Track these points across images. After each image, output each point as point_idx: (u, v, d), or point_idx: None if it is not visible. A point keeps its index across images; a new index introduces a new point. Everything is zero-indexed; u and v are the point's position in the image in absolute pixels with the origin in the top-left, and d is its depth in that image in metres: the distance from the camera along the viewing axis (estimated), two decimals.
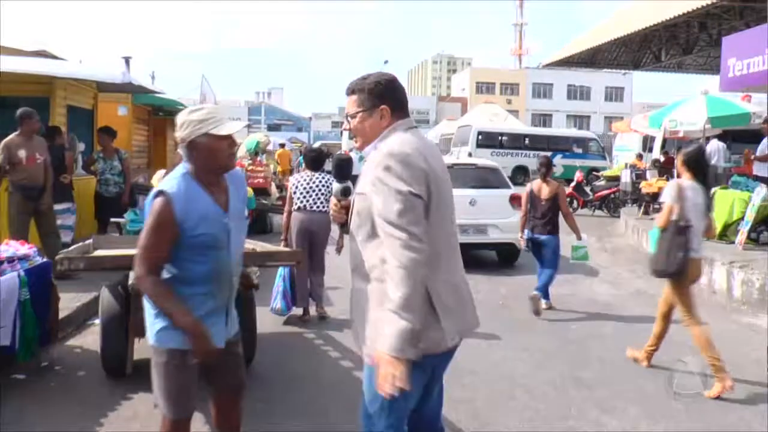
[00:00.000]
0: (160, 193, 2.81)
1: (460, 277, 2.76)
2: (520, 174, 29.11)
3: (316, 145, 22.58)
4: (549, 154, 15.20)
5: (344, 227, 2.90)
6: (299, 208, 6.99)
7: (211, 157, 2.88)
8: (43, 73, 9.07)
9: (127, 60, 11.05)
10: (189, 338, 2.80)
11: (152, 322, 2.93)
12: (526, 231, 7.90)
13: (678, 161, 5.80)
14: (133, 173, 11.48)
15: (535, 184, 8.01)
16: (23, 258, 5.08)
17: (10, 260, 4.91)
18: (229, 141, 2.90)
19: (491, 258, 11.01)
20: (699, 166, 5.65)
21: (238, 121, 2.99)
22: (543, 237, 7.76)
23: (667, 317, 5.74)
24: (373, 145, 2.72)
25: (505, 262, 10.75)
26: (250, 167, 14.53)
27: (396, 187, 2.47)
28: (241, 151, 20.31)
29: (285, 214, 7.15)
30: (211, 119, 2.87)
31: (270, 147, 24.56)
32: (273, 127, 58.81)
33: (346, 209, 2.86)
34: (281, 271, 6.83)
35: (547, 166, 7.98)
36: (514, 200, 10.02)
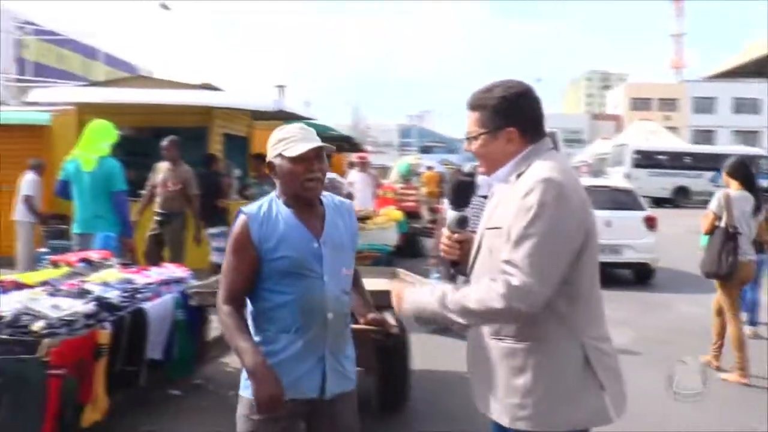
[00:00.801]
0: (240, 213, 2.63)
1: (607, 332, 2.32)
2: (681, 196, 27.39)
3: (468, 166, 22.24)
4: (713, 174, 14.23)
5: (457, 266, 2.51)
6: None
7: (286, 180, 2.61)
8: (199, 104, 9.60)
9: (281, 88, 11.42)
10: (251, 383, 2.45)
11: None
12: None
13: (723, 173, 6.35)
14: None
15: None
16: (179, 281, 5.30)
17: (167, 282, 5.14)
18: (306, 164, 2.57)
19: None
20: (743, 176, 6.25)
21: (312, 142, 2.59)
22: None
23: (721, 313, 6.29)
24: (505, 172, 2.32)
25: (640, 280, 11.16)
26: (401, 190, 14.60)
27: (548, 223, 2.08)
28: (393, 175, 20.60)
29: (437, 237, 6.98)
30: (287, 139, 2.60)
31: (421, 169, 24.75)
32: (425, 150, 59.21)
33: (462, 244, 2.47)
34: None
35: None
36: (650, 221, 10.65)
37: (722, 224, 6.05)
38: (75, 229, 6.72)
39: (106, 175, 6.62)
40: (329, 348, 2.59)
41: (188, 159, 10.34)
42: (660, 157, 29.78)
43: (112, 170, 6.66)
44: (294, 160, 2.56)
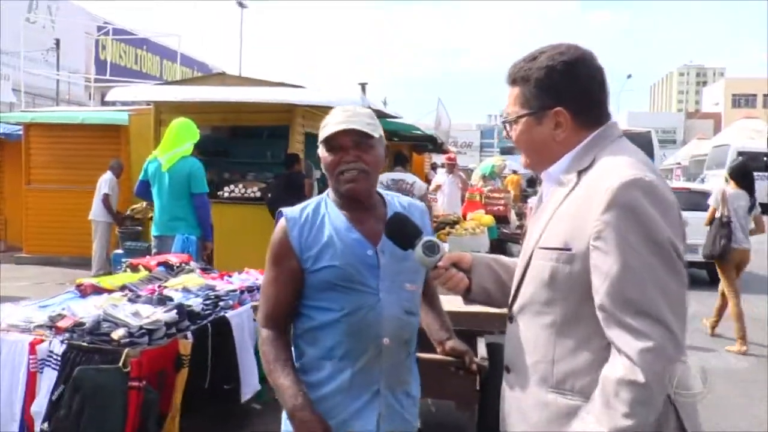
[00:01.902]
0: (279, 215, 2.30)
1: None
2: None
3: None
4: None
5: (468, 293, 2.11)
6: None
7: (327, 174, 2.29)
8: (283, 102, 9.49)
9: (363, 86, 11.30)
10: (292, 427, 2.11)
11: None
12: None
13: (726, 173, 8.02)
14: None
15: None
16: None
17: (250, 290, 4.97)
18: (341, 152, 2.22)
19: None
20: (741, 177, 7.90)
21: (345, 124, 2.22)
22: None
23: (724, 295, 7.93)
24: (559, 169, 1.86)
25: (714, 281, 11.26)
26: (489, 193, 14.23)
27: (653, 245, 1.60)
28: (475, 177, 20.26)
29: (524, 229, 6.84)
30: (327, 125, 2.25)
31: (506, 171, 24.29)
32: (506, 151, 58.23)
33: (455, 270, 2.06)
34: None
35: None
36: None
37: (718, 215, 7.74)
38: (153, 230, 6.69)
39: (187, 175, 6.56)
40: (386, 381, 2.21)
41: (269, 159, 10.40)
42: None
43: (192, 171, 6.60)
44: (328, 146, 2.24)
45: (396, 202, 2.40)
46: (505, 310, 2.01)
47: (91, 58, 27.86)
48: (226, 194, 10.01)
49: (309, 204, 2.32)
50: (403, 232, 2.13)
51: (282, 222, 2.26)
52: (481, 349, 3.73)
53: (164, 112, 10.03)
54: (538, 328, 1.81)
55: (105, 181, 10.88)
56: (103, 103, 19.46)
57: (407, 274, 2.26)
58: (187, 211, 6.55)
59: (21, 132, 13.12)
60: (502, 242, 12.67)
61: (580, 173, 1.79)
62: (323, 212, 2.28)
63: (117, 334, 3.71)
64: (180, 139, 6.63)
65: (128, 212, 10.80)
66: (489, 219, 10.57)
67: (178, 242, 6.34)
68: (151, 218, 6.97)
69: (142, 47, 32.77)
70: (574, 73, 1.82)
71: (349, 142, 2.20)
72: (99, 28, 28.00)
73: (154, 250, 6.59)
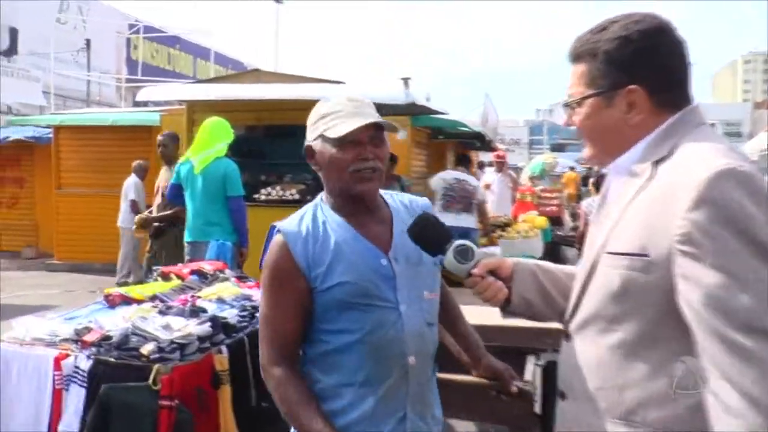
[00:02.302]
0: (272, 231, 2.15)
1: None
2: None
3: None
4: None
5: (507, 305, 1.96)
6: None
7: (331, 173, 2.11)
8: (321, 98, 9.39)
9: (405, 81, 11.11)
10: None
11: None
12: None
13: None
14: None
15: None
16: None
17: None
18: (358, 148, 2.06)
19: None
20: None
21: (365, 117, 2.06)
22: None
23: None
24: (630, 159, 1.67)
25: None
26: (542, 193, 13.98)
27: (747, 248, 1.39)
28: (524, 176, 19.96)
29: (578, 232, 7.58)
30: (332, 115, 2.09)
31: (558, 169, 23.91)
32: (556, 148, 57.65)
33: (493, 278, 1.91)
34: None
35: None
36: None
37: None
38: (186, 236, 6.62)
39: (222, 177, 6.47)
40: (412, 405, 2.07)
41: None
42: None
43: (227, 173, 6.50)
44: (340, 143, 2.05)
45: (397, 201, 2.27)
46: (555, 324, 1.88)
47: (122, 59, 28.23)
48: (262, 197, 9.96)
49: (304, 213, 2.16)
50: (432, 235, 1.99)
51: (279, 238, 2.09)
52: (530, 370, 3.47)
53: (197, 111, 10.03)
54: (603, 348, 1.63)
55: (130, 186, 10.91)
56: (135, 104, 19.67)
57: (424, 281, 2.14)
58: (222, 216, 6.47)
59: (51, 135, 13.30)
60: (557, 245, 12.41)
61: (656, 163, 1.60)
62: (322, 220, 2.13)
63: (146, 349, 3.61)
64: (213, 140, 6.55)
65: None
66: (542, 221, 10.36)
67: (213, 248, 6.25)
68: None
69: (175, 46, 33.12)
70: (652, 45, 1.63)
71: (365, 137, 2.06)
72: (130, 27, 28.37)
73: (187, 257, 6.52)
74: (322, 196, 2.21)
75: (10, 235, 15.19)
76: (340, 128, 2.04)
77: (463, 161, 9.62)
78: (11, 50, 23.37)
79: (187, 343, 3.72)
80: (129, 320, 3.90)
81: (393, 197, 2.27)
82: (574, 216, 15.06)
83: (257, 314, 4.38)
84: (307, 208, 2.18)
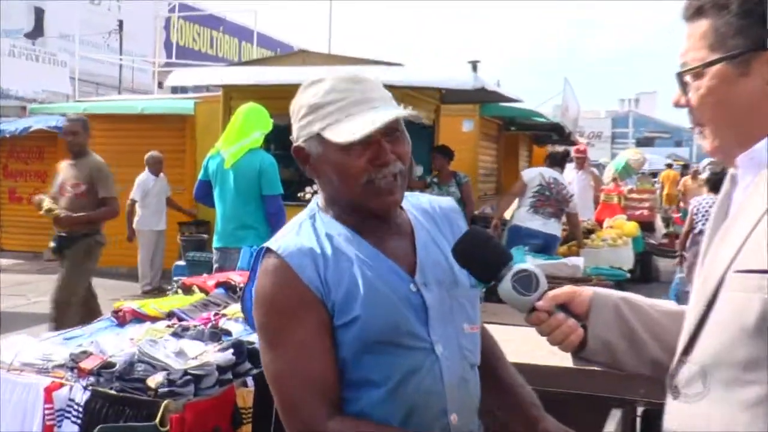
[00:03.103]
0: (263, 255, 1.81)
1: None
2: None
3: (704, 163, 20.85)
4: None
5: (582, 349, 1.70)
6: (702, 230, 7.54)
7: (336, 185, 1.82)
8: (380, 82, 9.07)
9: (474, 65, 10.72)
10: None
11: None
12: None
13: None
14: (478, 202, 11.13)
15: None
16: None
17: None
18: (372, 152, 1.76)
19: None
20: None
21: (382, 110, 1.77)
22: None
23: None
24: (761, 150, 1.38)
25: None
26: (630, 194, 13.41)
27: None
28: (607, 174, 19.32)
29: (682, 235, 8.42)
30: (328, 106, 1.78)
31: (646, 167, 23.18)
32: (643, 142, 56.72)
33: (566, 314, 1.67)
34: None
35: None
36: None
37: None
38: (215, 242, 6.31)
39: (257, 173, 6.13)
40: None
41: None
42: None
43: (264, 167, 6.16)
44: (347, 148, 1.74)
45: (415, 203, 1.98)
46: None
47: (160, 42, 28.42)
48: (308, 195, 9.74)
49: (298, 227, 1.85)
50: (485, 257, 1.71)
51: (277, 263, 1.76)
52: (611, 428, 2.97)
53: (235, 98, 9.84)
54: (733, 406, 1.32)
55: (137, 184, 10.94)
56: (173, 91, 19.72)
57: (463, 311, 1.86)
58: (258, 218, 6.16)
59: None
60: (648, 255, 11.87)
61: None
62: (325, 234, 1.82)
63: (154, 380, 3.32)
64: (248, 129, 6.22)
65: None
66: (633, 226, 9.84)
67: (245, 256, 5.91)
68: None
69: (218, 28, 33.31)
70: None
71: (378, 133, 1.75)
72: (170, 9, 28.54)
73: (215, 266, 6.22)
74: (318, 202, 1.91)
75: (30, 233, 15.23)
76: (346, 129, 1.73)
77: (557, 160, 9.14)
78: (36, 32, 23.65)
79: (204, 374, 3.45)
80: (137, 344, 3.63)
81: (408, 199, 1.96)
82: (667, 221, 14.48)
83: None
84: (299, 220, 1.88)
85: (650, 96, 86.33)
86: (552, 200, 8.54)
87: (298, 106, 1.85)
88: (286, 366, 1.73)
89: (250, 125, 6.23)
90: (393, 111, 1.78)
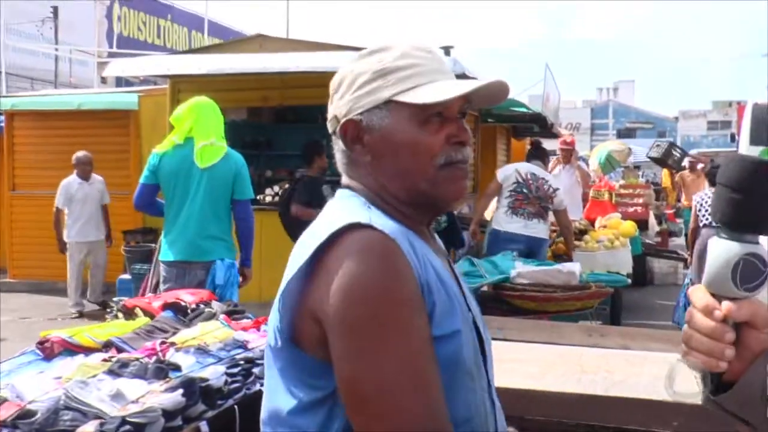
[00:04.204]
0: (352, 229, 1.50)
1: None
2: None
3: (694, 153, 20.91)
4: None
5: (718, 392, 1.36)
6: (707, 224, 8.06)
7: (403, 165, 1.64)
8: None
9: (447, 50, 10.46)
10: None
11: None
12: None
13: None
14: None
15: None
16: None
17: None
18: (450, 129, 1.63)
19: None
20: None
21: (456, 80, 1.66)
22: None
23: None
24: None
25: None
26: (622, 190, 13.17)
27: None
28: (593, 166, 19.12)
29: (690, 233, 8.67)
30: (405, 70, 1.63)
31: (631, 159, 23.05)
32: (624, 133, 57.17)
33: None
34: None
35: None
36: None
37: None
38: (167, 254, 5.82)
39: (233, 177, 5.75)
40: None
41: (326, 150, 9.74)
42: None
43: (238, 170, 5.80)
44: (424, 116, 1.61)
45: None
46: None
47: (102, 32, 27.89)
48: (268, 198, 9.63)
49: (364, 209, 1.61)
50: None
51: (381, 240, 1.50)
52: None
53: (184, 90, 9.57)
54: None
55: (59, 189, 10.58)
56: (118, 85, 19.26)
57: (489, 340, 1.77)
58: (227, 228, 5.81)
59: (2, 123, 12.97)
60: (642, 256, 11.64)
61: None
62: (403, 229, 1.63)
63: (84, 431, 2.96)
64: (219, 126, 5.82)
65: None
66: (630, 226, 9.56)
67: (219, 271, 5.54)
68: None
69: (166, 16, 32.90)
70: None
71: (457, 111, 1.66)
72: None
73: (163, 284, 5.75)
74: (358, 195, 1.67)
75: None
76: (432, 90, 1.59)
77: (538, 154, 8.80)
78: None
79: (147, 421, 3.08)
80: (63, 385, 3.25)
81: None
82: (660, 219, 14.30)
83: (255, 370, 3.78)
84: (356, 205, 1.63)
85: (629, 84, 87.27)
86: (532, 198, 8.17)
87: (353, 74, 1.68)
88: (409, 377, 1.44)
89: (219, 122, 5.85)
90: (464, 82, 1.66)
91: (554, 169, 12.26)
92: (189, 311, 4.47)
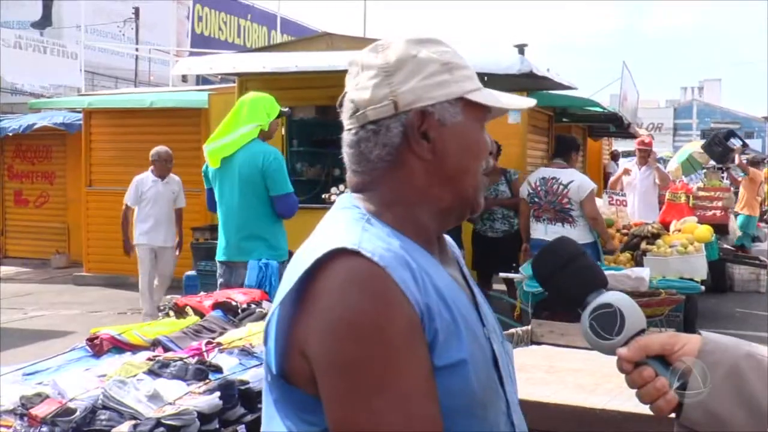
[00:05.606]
0: (338, 257, 1.38)
1: None
2: None
3: None
4: None
5: (679, 414, 1.40)
6: None
7: (457, 171, 1.54)
8: None
9: (521, 48, 10.24)
10: None
11: None
12: None
13: None
14: None
15: None
16: None
17: None
18: (487, 137, 1.61)
19: None
20: None
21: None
22: None
23: None
24: None
25: None
26: (700, 192, 12.70)
27: None
28: (671, 170, 18.62)
29: None
30: (467, 69, 1.57)
31: (711, 162, 22.40)
32: (708, 134, 55.56)
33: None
34: None
35: None
36: None
37: None
38: (218, 255, 5.81)
39: (260, 171, 5.54)
40: None
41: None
42: None
43: (267, 163, 5.54)
44: (474, 114, 1.55)
45: None
46: None
47: (182, 32, 28.26)
48: (334, 197, 9.32)
49: (359, 227, 1.47)
50: (576, 275, 1.48)
51: (369, 271, 1.38)
52: None
53: (251, 88, 9.38)
54: None
55: (131, 185, 9.44)
56: (197, 83, 19.47)
57: (512, 367, 1.65)
58: (266, 226, 5.65)
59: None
60: (721, 262, 11.21)
61: None
62: (397, 245, 1.49)
63: (119, 431, 2.95)
64: (239, 122, 5.68)
65: None
66: (706, 230, 9.14)
67: (252, 272, 5.40)
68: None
69: (246, 16, 33.14)
70: None
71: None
72: None
73: (219, 282, 5.74)
74: (362, 204, 1.54)
75: (39, 239, 15.07)
76: (493, 96, 1.57)
77: (563, 148, 8.36)
78: (44, 22, 23.54)
79: (182, 424, 3.03)
80: (104, 383, 3.24)
81: None
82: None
83: None
84: (352, 219, 1.50)
85: (715, 83, 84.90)
86: (544, 205, 7.92)
87: (416, 60, 1.53)
88: (405, 419, 1.35)
89: (254, 117, 5.70)
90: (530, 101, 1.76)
91: (631, 171, 11.96)
92: (239, 311, 4.41)
